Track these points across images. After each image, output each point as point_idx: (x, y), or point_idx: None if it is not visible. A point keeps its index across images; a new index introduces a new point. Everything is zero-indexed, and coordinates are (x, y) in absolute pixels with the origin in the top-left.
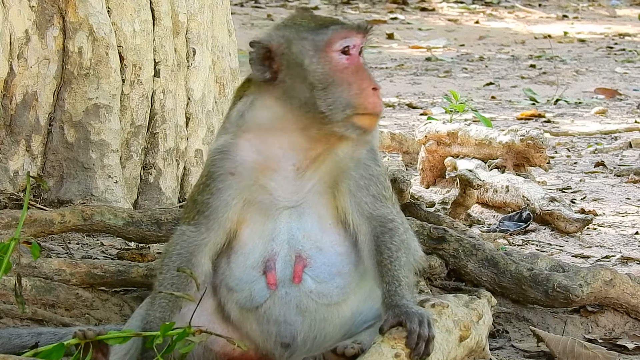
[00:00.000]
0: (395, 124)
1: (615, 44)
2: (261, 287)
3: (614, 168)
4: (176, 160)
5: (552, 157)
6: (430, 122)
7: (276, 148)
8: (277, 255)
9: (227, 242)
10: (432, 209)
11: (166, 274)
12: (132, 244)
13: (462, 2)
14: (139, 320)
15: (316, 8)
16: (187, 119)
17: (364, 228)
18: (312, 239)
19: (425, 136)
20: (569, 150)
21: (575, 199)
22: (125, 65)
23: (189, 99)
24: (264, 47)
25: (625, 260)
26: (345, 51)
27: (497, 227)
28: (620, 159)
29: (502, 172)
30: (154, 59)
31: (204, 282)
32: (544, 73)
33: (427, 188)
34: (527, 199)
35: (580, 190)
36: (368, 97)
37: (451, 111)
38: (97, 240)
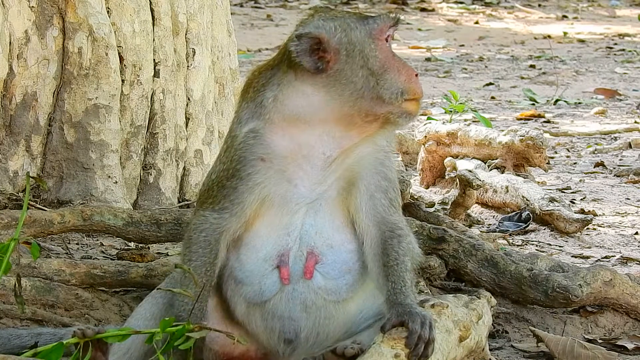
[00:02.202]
0: None
1: (615, 44)
2: (272, 281)
3: (614, 168)
4: (176, 160)
5: (552, 158)
6: (430, 123)
7: (310, 135)
8: (290, 250)
9: (241, 232)
10: (432, 209)
11: (197, 261)
12: (132, 244)
13: (461, 3)
14: (139, 319)
15: None
16: (187, 119)
17: (372, 231)
18: (324, 236)
19: (425, 136)
20: (569, 151)
21: (574, 199)
22: (125, 65)
23: (189, 99)
24: (315, 38)
25: (625, 261)
26: (387, 39)
27: (497, 228)
28: (620, 160)
29: (502, 173)
30: (154, 59)
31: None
32: (544, 73)
33: (426, 188)
34: (526, 199)
35: (580, 191)
36: (416, 83)
37: (451, 111)
38: (97, 240)
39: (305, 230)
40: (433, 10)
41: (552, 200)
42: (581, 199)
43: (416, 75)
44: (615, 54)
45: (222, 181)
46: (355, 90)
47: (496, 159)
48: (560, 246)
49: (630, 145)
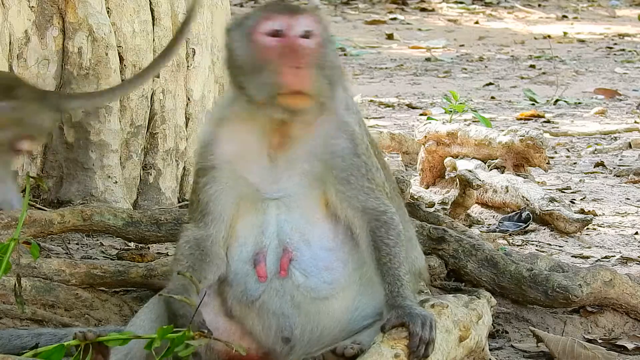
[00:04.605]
0: (394, 124)
1: (615, 44)
2: (254, 280)
3: (614, 168)
4: (176, 160)
5: (552, 158)
6: (430, 123)
7: (247, 136)
8: (267, 247)
9: (228, 236)
10: (432, 209)
11: (181, 260)
12: (132, 245)
13: (461, 3)
14: (144, 320)
15: None
16: (187, 119)
17: (358, 221)
18: (300, 232)
19: (425, 136)
20: (569, 151)
21: (574, 199)
22: (125, 65)
23: (189, 99)
24: None
25: (625, 261)
26: (275, 34)
27: (497, 228)
28: (620, 160)
29: (502, 173)
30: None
31: (226, 269)
32: (544, 73)
33: (426, 188)
34: (526, 199)
35: (580, 191)
36: (288, 75)
37: (451, 111)
38: (97, 240)
39: (281, 226)
40: (433, 10)
41: (552, 200)
42: (581, 199)
43: (297, 67)
44: (615, 54)
45: (191, 195)
46: (239, 90)
47: (496, 159)
48: (560, 246)
49: (630, 145)
